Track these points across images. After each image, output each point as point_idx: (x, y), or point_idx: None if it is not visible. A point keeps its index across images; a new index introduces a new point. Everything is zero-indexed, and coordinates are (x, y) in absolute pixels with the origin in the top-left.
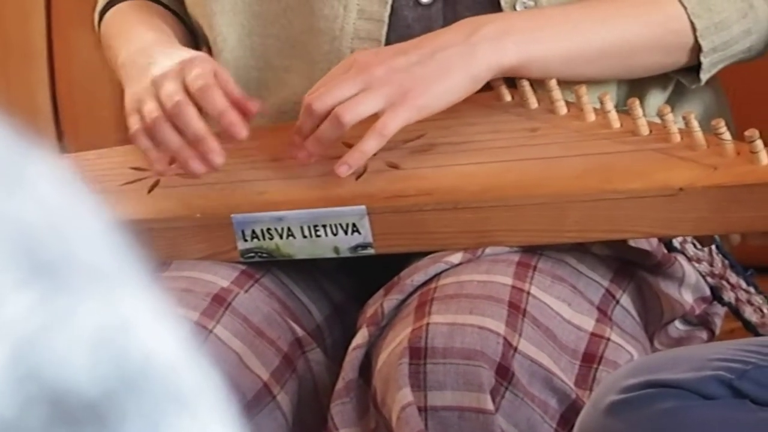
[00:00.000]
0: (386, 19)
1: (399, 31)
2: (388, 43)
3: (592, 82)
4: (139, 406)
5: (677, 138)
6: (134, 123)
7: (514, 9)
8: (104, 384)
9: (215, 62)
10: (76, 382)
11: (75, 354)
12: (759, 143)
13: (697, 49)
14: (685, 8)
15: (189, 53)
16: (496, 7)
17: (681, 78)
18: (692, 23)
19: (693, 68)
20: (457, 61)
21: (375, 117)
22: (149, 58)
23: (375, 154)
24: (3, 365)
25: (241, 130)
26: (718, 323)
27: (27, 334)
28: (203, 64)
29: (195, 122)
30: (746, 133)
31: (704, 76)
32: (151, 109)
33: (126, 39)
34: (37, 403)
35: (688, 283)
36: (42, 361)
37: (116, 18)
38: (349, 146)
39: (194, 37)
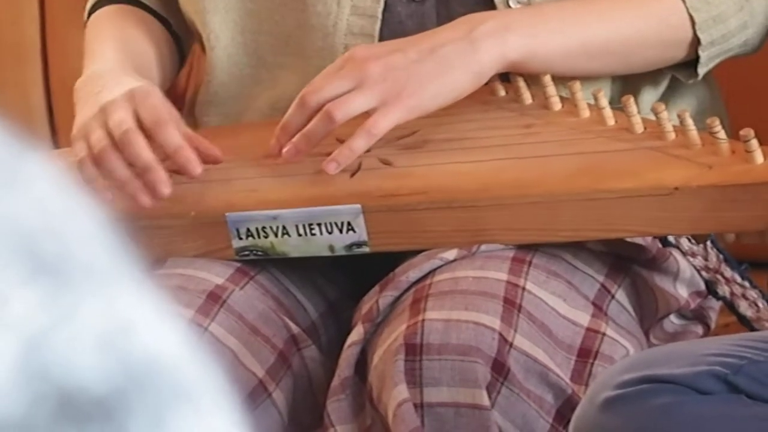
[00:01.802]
0: (380, 15)
1: (392, 27)
2: (381, 39)
3: (587, 78)
4: (144, 402)
5: (672, 136)
6: (80, 150)
7: (508, 6)
8: (110, 380)
9: (162, 96)
10: (83, 378)
11: (81, 351)
12: (754, 142)
13: (695, 43)
14: (684, 2)
15: (139, 84)
16: (490, 4)
17: (677, 73)
18: (691, 17)
19: (689, 63)
20: (458, 57)
21: (369, 113)
22: (100, 85)
23: (368, 151)
24: (11, 363)
25: (196, 167)
26: (714, 318)
27: (34, 332)
28: (155, 95)
29: (143, 153)
30: (741, 132)
31: (701, 71)
32: (98, 137)
33: (90, 55)
34: (44, 400)
35: (683, 278)
36: (49, 358)
37: (92, 28)
38: (343, 143)
39: (178, 42)
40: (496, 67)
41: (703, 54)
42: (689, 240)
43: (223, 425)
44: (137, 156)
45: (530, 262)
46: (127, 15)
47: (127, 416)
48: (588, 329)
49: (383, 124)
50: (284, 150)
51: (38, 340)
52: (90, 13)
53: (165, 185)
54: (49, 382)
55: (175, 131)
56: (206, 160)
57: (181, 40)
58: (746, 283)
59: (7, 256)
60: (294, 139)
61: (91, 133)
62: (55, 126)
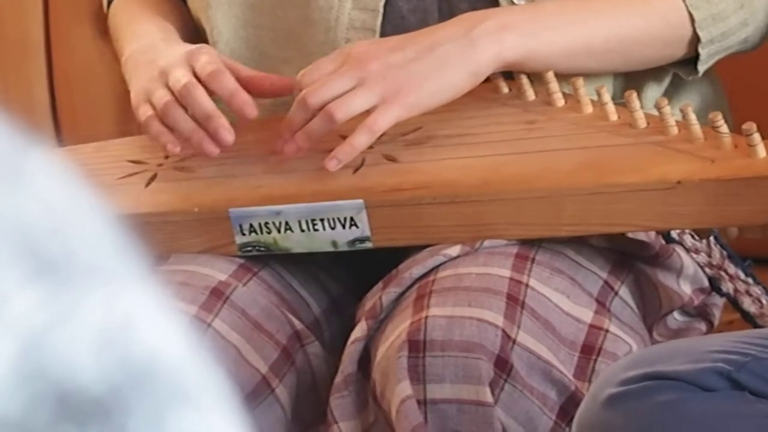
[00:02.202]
0: (381, 9)
1: (394, 21)
2: (383, 33)
3: (589, 75)
4: (144, 401)
5: (675, 131)
6: (145, 111)
7: (512, 2)
8: (110, 379)
9: (215, 52)
10: (82, 377)
11: (80, 350)
12: (756, 136)
13: (695, 40)
14: (684, 0)
15: (193, 46)
16: (493, 0)
17: (678, 70)
18: (691, 15)
19: (690, 60)
20: (457, 55)
21: (370, 110)
22: (154, 53)
23: (371, 147)
24: (9, 362)
25: (252, 110)
26: (717, 314)
27: (33, 331)
28: (210, 51)
29: (204, 102)
30: (744, 126)
31: (701, 68)
32: (161, 95)
33: (131, 35)
34: (43, 400)
35: (686, 274)
36: (48, 357)
37: (123, 9)
38: (345, 139)
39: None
40: (494, 67)
41: (703, 51)
42: (692, 236)
43: (223, 424)
44: (198, 105)
45: (533, 259)
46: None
47: (126, 415)
48: (591, 326)
49: (384, 121)
50: (285, 146)
51: (37, 339)
52: (110, 1)
53: (228, 131)
54: (48, 382)
55: (229, 78)
56: (278, 91)
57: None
58: (750, 280)
59: (8, 253)
60: (296, 136)
61: (153, 93)
62: (59, 122)
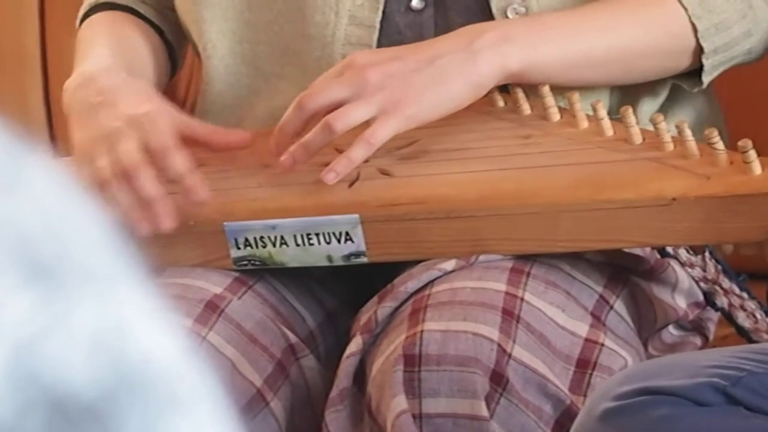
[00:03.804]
0: (377, 25)
1: (390, 37)
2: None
3: (585, 89)
4: (137, 408)
5: (670, 147)
6: (83, 175)
7: (506, 16)
8: (103, 386)
9: (172, 111)
10: (75, 384)
11: (74, 356)
12: (752, 153)
13: (698, 51)
14: (686, 10)
15: (143, 101)
16: (488, 14)
17: (681, 82)
18: (693, 25)
19: (694, 72)
20: (457, 68)
21: (367, 123)
22: (95, 91)
23: (367, 161)
24: (2, 367)
25: (201, 193)
26: (712, 329)
27: (26, 337)
28: (161, 117)
29: (149, 185)
30: (739, 143)
31: (706, 79)
32: (101, 166)
33: (82, 56)
34: (35, 406)
35: (681, 289)
36: (41, 363)
37: (85, 31)
38: (341, 152)
39: (171, 51)
40: (496, 79)
41: (706, 62)
42: (687, 251)
43: (217, 430)
44: (142, 189)
45: (529, 273)
46: (121, 20)
47: (119, 422)
48: (586, 340)
49: (382, 133)
50: (282, 159)
51: (30, 345)
52: (83, 20)
53: (168, 218)
54: (40, 387)
55: (180, 159)
56: (236, 146)
57: (174, 49)
58: (744, 294)
59: (2, 258)
60: (292, 149)
61: (96, 159)
62: (55, 134)
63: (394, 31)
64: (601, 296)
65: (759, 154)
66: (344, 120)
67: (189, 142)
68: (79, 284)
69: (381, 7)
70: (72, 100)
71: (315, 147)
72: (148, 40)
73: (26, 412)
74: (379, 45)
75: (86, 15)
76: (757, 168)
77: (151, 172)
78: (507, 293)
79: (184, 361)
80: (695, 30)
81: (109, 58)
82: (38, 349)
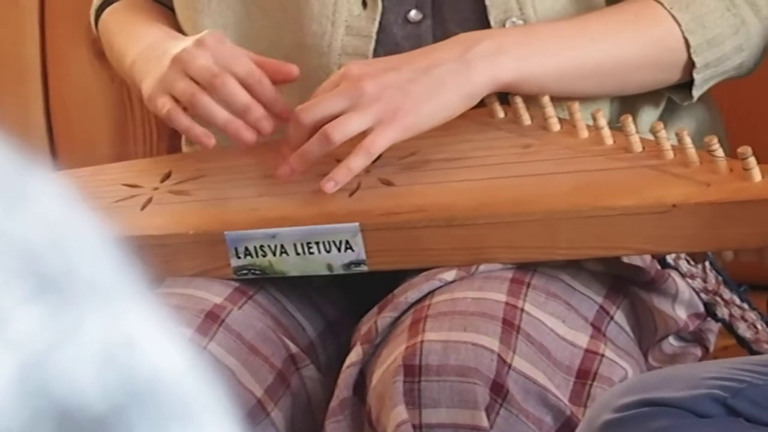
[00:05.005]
0: (374, 36)
1: (388, 47)
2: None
3: (585, 99)
4: (145, 420)
5: (670, 155)
6: (164, 103)
7: (504, 27)
8: (111, 399)
9: (227, 39)
10: (83, 396)
11: (82, 369)
12: (752, 160)
13: (689, 65)
14: (680, 25)
15: (203, 33)
16: (486, 25)
17: (672, 95)
18: (686, 39)
19: (684, 85)
20: (451, 78)
21: (364, 133)
22: (163, 47)
23: (367, 170)
24: (11, 381)
25: (268, 125)
26: (712, 340)
27: (35, 350)
28: (225, 39)
29: (241, 94)
30: (739, 150)
31: (696, 93)
32: (184, 87)
33: (132, 38)
34: (44, 418)
35: (681, 299)
36: (49, 375)
37: (115, 17)
38: (340, 162)
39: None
40: (489, 89)
41: (697, 77)
42: (688, 262)
43: None
44: (235, 98)
45: (529, 284)
46: (147, 5)
47: None
48: (587, 350)
49: (380, 143)
50: (279, 169)
51: (39, 358)
52: (99, 11)
53: (267, 122)
54: (49, 400)
55: (267, 83)
56: (284, 78)
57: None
58: (745, 305)
59: (10, 273)
60: (290, 159)
61: (173, 85)
62: (55, 145)
63: (392, 42)
64: (601, 307)
65: (759, 161)
66: (342, 130)
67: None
68: (87, 298)
69: (378, 18)
70: (135, 69)
71: (313, 157)
72: (172, 23)
73: (35, 424)
74: (376, 55)
75: (101, 8)
76: (756, 175)
77: (236, 82)
78: (507, 304)
79: (191, 372)
80: (688, 45)
81: (161, 32)
82: (47, 361)
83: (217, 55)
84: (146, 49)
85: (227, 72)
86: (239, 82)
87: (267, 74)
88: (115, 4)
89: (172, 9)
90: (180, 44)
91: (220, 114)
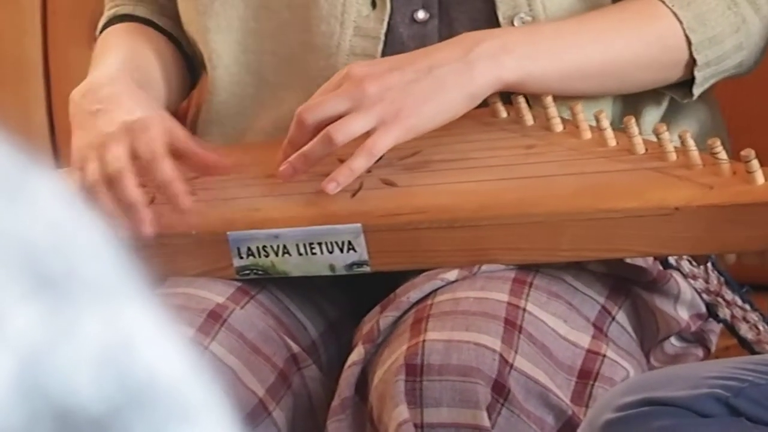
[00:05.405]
0: (382, 36)
1: (395, 48)
2: None
3: (588, 100)
4: (143, 421)
5: (673, 157)
6: (75, 179)
7: (512, 25)
8: (109, 399)
9: (167, 121)
10: (81, 396)
11: (80, 369)
12: (755, 163)
13: (690, 63)
14: (681, 23)
15: (139, 109)
16: (493, 24)
17: (673, 93)
18: (687, 38)
19: (685, 83)
20: (454, 78)
21: (367, 134)
22: (98, 101)
23: (369, 171)
24: (8, 380)
25: (185, 202)
26: (714, 340)
27: (33, 348)
28: (154, 125)
29: (129, 192)
30: (742, 153)
31: (697, 91)
32: (92, 170)
33: (93, 66)
34: (42, 418)
35: (683, 300)
36: (47, 374)
37: (101, 42)
38: (342, 162)
39: (189, 62)
40: (491, 89)
41: (698, 75)
42: (690, 262)
43: None
44: (122, 194)
45: (531, 284)
46: (136, 32)
47: None
48: (588, 351)
49: (383, 143)
50: (281, 168)
51: (37, 357)
52: (102, 30)
53: (146, 225)
54: (47, 399)
55: (166, 166)
56: (215, 172)
57: (193, 61)
58: (747, 306)
59: (9, 271)
60: (291, 159)
61: (87, 164)
62: (57, 144)
63: (398, 42)
64: (603, 307)
65: (762, 164)
66: (344, 131)
67: (177, 155)
68: (85, 297)
69: (386, 19)
70: (75, 108)
71: (315, 157)
72: (160, 53)
73: (33, 424)
74: (383, 56)
75: (105, 26)
76: (759, 178)
77: (134, 178)
78: (509, 303)
79: (190, 373)
80: (689, 43)
81: (116, 68)
82: (45, 360)
83: (135, 145)
84: (90, 87)
85: (126, 169)
86: (141, 160)
87: (193, 166)
88: (110, 28)
89: (173, 33)
90: (116, 111)
91: (107, 207)
